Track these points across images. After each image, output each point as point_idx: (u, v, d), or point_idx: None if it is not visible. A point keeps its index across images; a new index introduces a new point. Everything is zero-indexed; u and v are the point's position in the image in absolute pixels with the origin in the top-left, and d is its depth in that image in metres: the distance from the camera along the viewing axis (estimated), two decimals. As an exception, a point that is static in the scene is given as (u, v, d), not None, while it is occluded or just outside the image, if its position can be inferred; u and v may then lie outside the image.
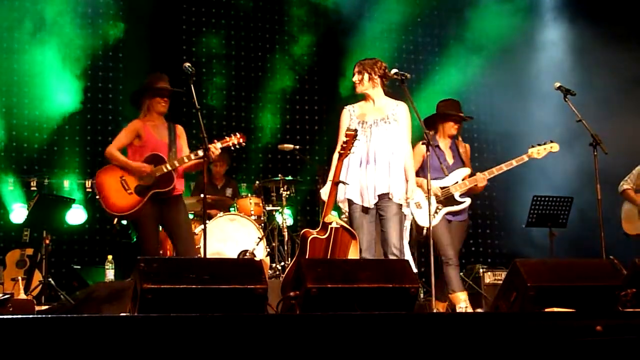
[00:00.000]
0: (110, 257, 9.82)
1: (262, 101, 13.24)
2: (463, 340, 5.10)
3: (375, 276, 5.76)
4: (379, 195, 7.64)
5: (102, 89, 12.36)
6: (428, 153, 7.58)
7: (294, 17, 13.63)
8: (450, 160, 8.83)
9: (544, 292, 5.99)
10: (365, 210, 7.64)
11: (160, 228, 8.44)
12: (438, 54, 14.24)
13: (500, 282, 7.66)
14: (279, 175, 11.17)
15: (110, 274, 9.69)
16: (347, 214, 7.82)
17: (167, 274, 5.26)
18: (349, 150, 7.37)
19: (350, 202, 7.69)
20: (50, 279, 9.72)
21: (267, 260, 10.25)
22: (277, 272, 10.18)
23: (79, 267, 11.38)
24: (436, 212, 8.57)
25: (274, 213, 11.05)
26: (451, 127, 8.85)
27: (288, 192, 11.08)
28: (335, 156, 7.54)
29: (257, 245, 10.07)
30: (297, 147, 11.31)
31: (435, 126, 8.92)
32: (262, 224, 10.65)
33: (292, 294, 5.71)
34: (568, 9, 13.87)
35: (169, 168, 8.15)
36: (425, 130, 7.54)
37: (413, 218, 8.42)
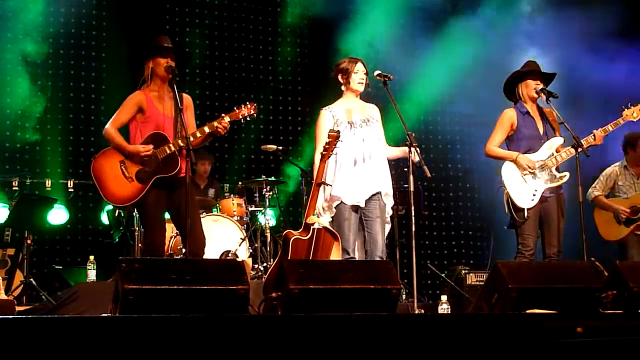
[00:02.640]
0: (92, 257, 9.80)
1: (245, 101, 13.18)
2: (445, 342, 5.11)
3: (357, 277, 5.76)
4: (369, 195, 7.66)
5: (84, 88, 12.32)
6: (411, 155, 7.48)
7: (278, 17, 13.63)
8: (540, 129, 8.32)
9: (526, 293, 6.01)
10: (354, 210, 7.64)
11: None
12: (420, 53, 14.28)
13: (482, 283, 7.67)
14: (262, 176, 11.20)
15: (92, 275, 9.67)
16: (321, 214, 7.76)
17: (148, 274, 5.25)
18: (331, 151, 7.37)
19: (340, 202, 7.67)
20: (31, 279, 9.67)
21: (250, 261, 10.25)
22: (260, 273, 10.19)
23: (60, 267, 11.34)
24: (535, 191, 8.09)
25: (256, 214, 11.07)
26: (532, 89, 8.28)
27: (271, 193, 11.10)
28: (317, 157, 7.55)
29: (240, 246, 10.08)
30: (280, 147, 11.32)
31: (517, 93, 8.42)
32: (245, 225, 10.67)
33: (274, 294, 5.71)
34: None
35: (173, 149, 7.28)
36: (408, 132, 7.49)
37: (510, 199, 8.13)
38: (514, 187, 8.09)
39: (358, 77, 7.83)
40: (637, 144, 9.84)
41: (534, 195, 8.05)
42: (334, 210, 7.66)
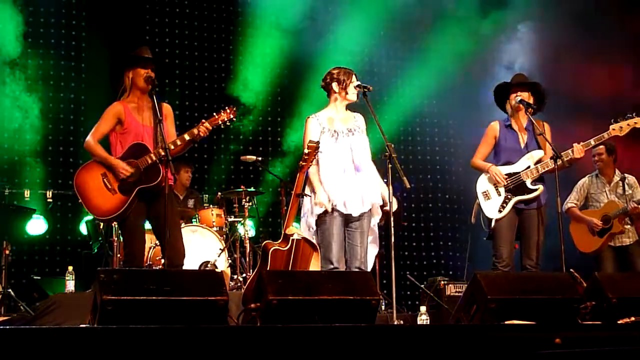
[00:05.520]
0: (70, 267, 9.73)
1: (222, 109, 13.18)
2: (424, 353, 5.11)
3: (337, 288, 5.76)
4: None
5: (63, 99, 12.28)
6: (390, 166, 7.45)
7: (259, 27, 13.61)
8: (522, 142, 8.33)
9: (505, 304, 6.02)
10: (342, 220, 7.62)
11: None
12: (400, 66, 14.34)
13: (462, 294, 7.67)
14: (241, 186, 11.18)
15: (70, 285, 9.61)
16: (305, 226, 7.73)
17: (127, 285, 5.24)
18: (311, 162, 7.36)
19: (326, 211, 7.59)
20: (9, 290, 9.63)
21: (229, 271, 10.23)
22: (239, 284, 10.17)
23: (39, 277, 11.27)
24: (505, 203, 8.12)
25: (235, 224, 11.04)
26: (514, 101, 8.27)
27: (250, 204, 11.08)
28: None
29: (219, 256, 10.05)
30: (260, 158, 11.31)
31: (504, 106, 8.46)
32: (224, 235, 10.63)
33: (253, 305, 5.71)
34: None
35: (154, 158, 7.23)
36: (387, 142, 7.44)
37: (481, 210, 8.20)
38: (485, 198, 8.14)
39: (353, 88, 7.83)
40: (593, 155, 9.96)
41: (503, 207, 8.08)
42: (316, 218, 7.61)
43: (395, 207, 7.56)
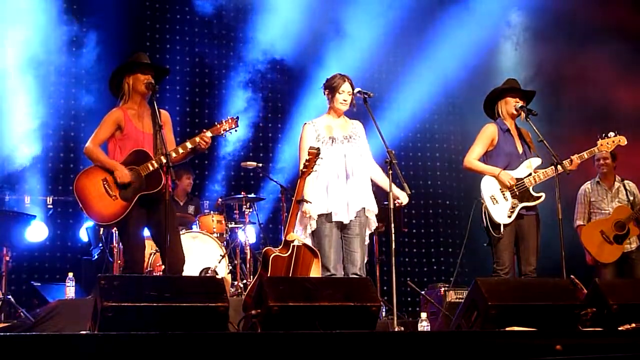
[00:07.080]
0: (71, 274, 9.72)
1: (224, 118, 13.15)
2: (424, 359, 5.10)
3: (337, 295, 5.77)
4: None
5: (63, 105, 12.27)
6: (390, 172, 7.44)
7: (257, 33, 13.62)
8: (519, 148, 8.30)
9: (505, 311, 6.02)
10: (336, 226, 7.61)
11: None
12: (402, 72, 14.34)
13: (462, 300, 7.65)
14: (242, 192, 11.17)
15: (71, 291, 9.60)
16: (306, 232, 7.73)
17: (127, 291, 5.23)
18: (311, 168, 7.35)
19: (323, 217, 7.62)
20: (9, 296, 9.61)
21: (229, 278, 10.22)
22: (239, 290, 10.16)
23: (39, 284, 11.25)
24: (513, 209, 8.06)
25: (236, 230, 11.03)
26: (512, 106, 8.26)
27: (250, 210, 11.07)
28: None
29: (219, 262, 10.04)
30: (260, 164, 11.30)
31: (497, 110, 8.40)
32: (224, 242, 10.62)
33: (253, 312, 5.70)
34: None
35: (156, 165, 7.19)
36: (388, 149, 7.43)
37: (489, 214, 8.07)
38: (493, 202, 8.08)
39: (342, 97, 7.78)
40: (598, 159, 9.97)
41: (512, 212, 8.04)
42: (314, 226, 7.61)
43: (404, 199, 7.62)
